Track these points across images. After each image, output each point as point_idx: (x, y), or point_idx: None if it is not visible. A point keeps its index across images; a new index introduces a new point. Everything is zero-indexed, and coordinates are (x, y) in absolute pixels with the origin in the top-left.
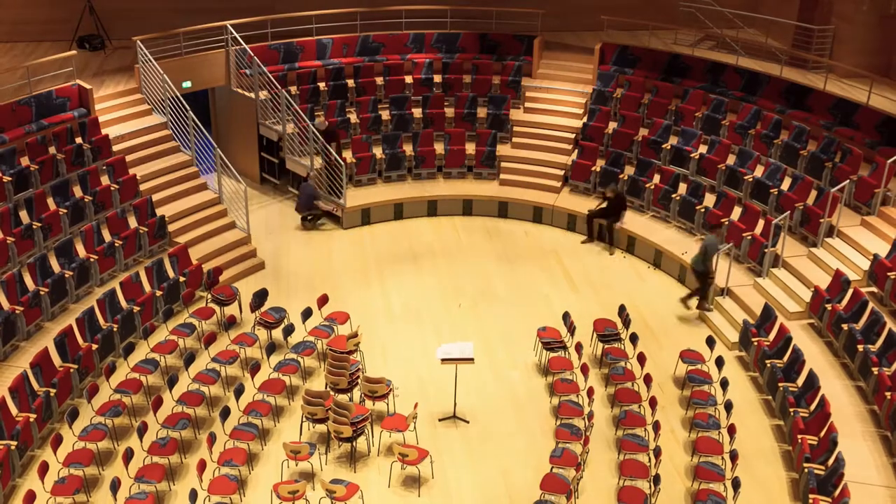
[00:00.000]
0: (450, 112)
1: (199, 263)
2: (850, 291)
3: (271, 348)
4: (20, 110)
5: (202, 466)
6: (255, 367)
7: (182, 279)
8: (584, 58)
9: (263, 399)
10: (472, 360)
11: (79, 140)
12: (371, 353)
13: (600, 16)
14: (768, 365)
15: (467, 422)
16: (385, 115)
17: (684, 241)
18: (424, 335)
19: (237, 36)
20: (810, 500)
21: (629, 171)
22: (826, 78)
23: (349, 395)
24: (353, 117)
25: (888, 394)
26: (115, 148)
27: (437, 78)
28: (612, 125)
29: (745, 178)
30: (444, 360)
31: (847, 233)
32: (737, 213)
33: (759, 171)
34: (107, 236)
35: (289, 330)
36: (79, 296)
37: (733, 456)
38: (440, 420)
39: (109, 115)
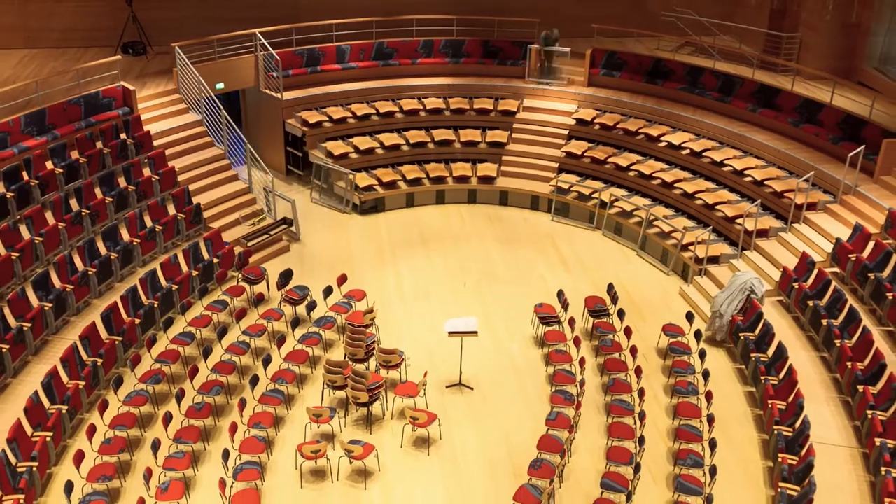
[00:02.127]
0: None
1: (231, 246)
2: (815, 272)
3: (296, 322)
4: (71, 109)
5: (234, 428)
6: (281, 340)
7: (216, 260)
8: (576, 62)
9: (289, 368)
10: (475, 333)
11: (123, 136)
12: (385, 327)
13: (591, 24)
14: (742, 337)
15: (471, 388)
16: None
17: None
18: (433, 311)
19: (265, 42)
20: (779, 459)
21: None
22: (793, 80)
23: (365, 364)
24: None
25: (849, 363)
26: (156, 143)
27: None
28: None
29: (723, 168)
30: (450, 333)
31: (812, 219)
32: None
33: (736, 163)
34: (148, 222)
35: (311, 306)
36: (123, 275)
37: (710, 419)
38: (447, 387)
39: (150, 113)
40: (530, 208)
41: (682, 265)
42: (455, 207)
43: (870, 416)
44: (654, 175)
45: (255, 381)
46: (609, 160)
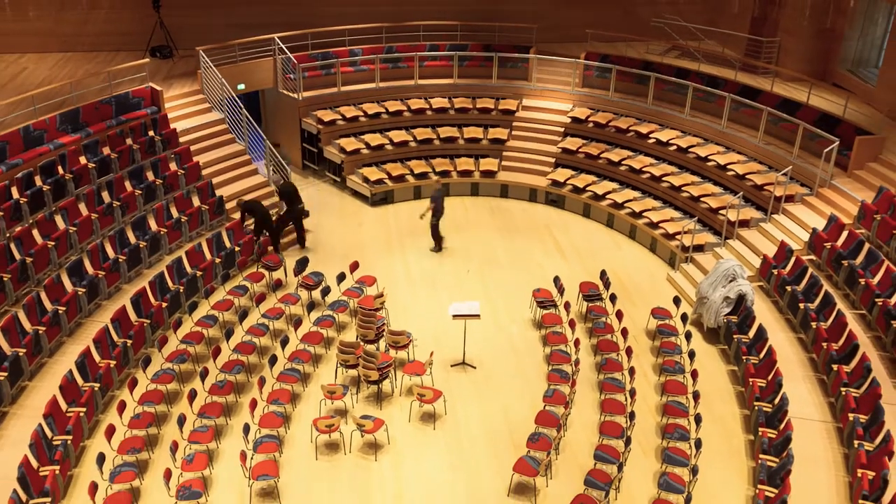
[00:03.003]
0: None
1: (251, 236)
2: (793, 259)
3: (311, 306)
4: (103, 108)
5: (254, 404)
6: (297, 322)
7: (237, 248)
8: (571, 64)
9: (305, 348)
10: (478, 316)
11: (151, 133)
12: (394, 310)
13: (585, 29)
14: (725, 320)
15: (474, 367)
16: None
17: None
18: (438, 295)
19: (283, 46)
20: (760, 433)
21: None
22: (773, 81)
23: (376, 345)
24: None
25: (824, 344)
26: (182, 140)
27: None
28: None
29: (708, 163)
30: (455, 316)
31: (790, 210)
32: (700, 191)
33: (719, 158)
34: (174, 213)
35: (326, 291)
36: (151, 262)
37: (696, 396)
38: (452, 366)
39: (177, 112)
40: (528, 200)
41: (670, 253)
42: (459, 199)
43: (843, 393)
44: (643, 169)
45: (273, 360)
46: (602, 156)
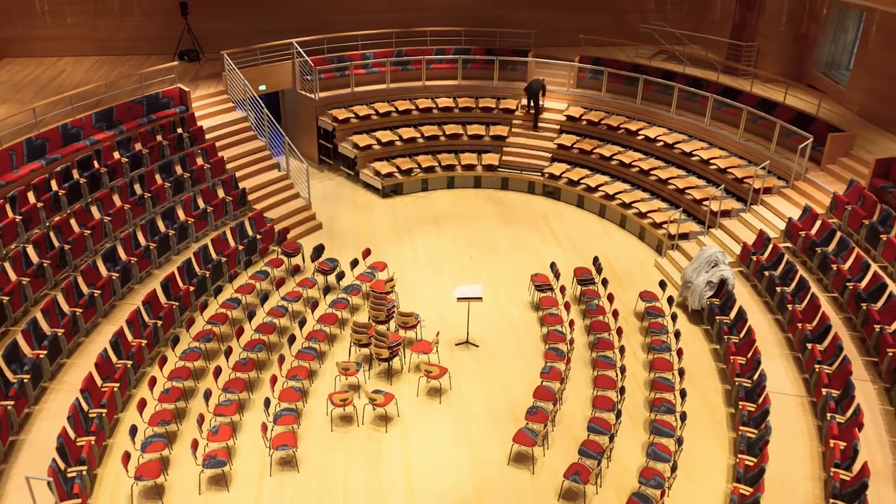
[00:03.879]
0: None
1: (271, 225)
2: (771, 246)
3: (327, 290)
4: (135, 107)
5: (274, 380)
6: (314, 304)
7: (258, 237)
8: (567, 66)
9: (321, 328)
10: (480, 298)
11: (179, 130)
12: (403, 293)
13: (579, 35)
14: (708, 303)
15: (477, 346)
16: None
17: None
18: (444, 280)
19: (301, 50)
20: (740, 406)
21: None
22: (752, 82)
23: (386, 325)
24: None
25: (799, 324)
26: (208, 136)
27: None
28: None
29: (692, 158)
30: (459, 299)
31: (768, 201)
32: (685, 184)
33: (703, 153)
34: (201, 204)
35: (340, 276)
36: (179, 249)
37: (681, 372)
38: (456, 345)
39: (203, 111)
40: (527, 192)
41: (657, 240)
42: (463, 192)
43: (817, 370)
44: (633, 164)
45: (292, 339)
46: (594, 151)
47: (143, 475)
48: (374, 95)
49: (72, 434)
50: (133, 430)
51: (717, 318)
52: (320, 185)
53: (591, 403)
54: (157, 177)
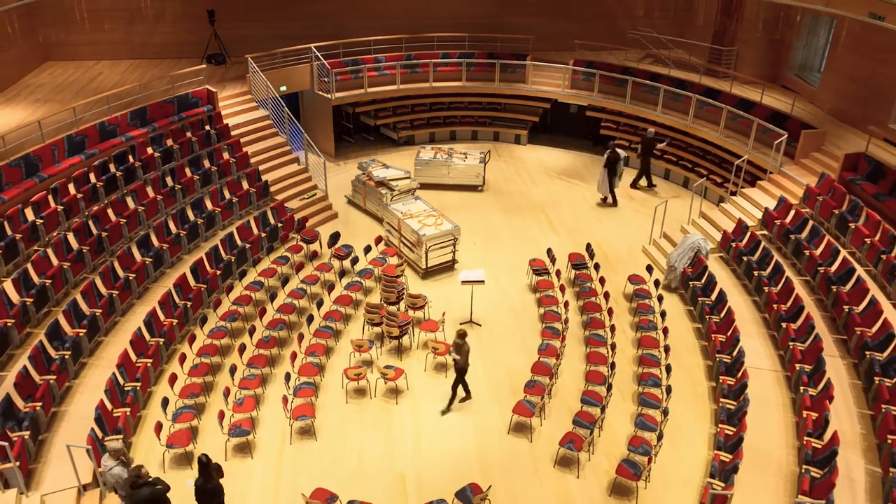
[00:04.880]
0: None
1: (291, 214)
2: (749, 234)
3: (342, 273)
4: (166, 106)
5: (293, 356)
6: (330, 287)
7: (280, 225)
8: (562, 69)
9: (337, 309)
10: (483, 282)
11: (207, 127)
12: (412, 276)
13: (573, 40)
14: (691, 285)
15: (480, 325)
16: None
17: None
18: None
19: (318, 54)
20: (720, 380)
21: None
22: (731, 84)
23: (397, 306)
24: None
25: (775, 305)
26: (233, 133)
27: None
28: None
29: None
30: (463, 282)
31: (746, 192)
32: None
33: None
34: (227, 195)
35: (354, 260)
36: (207, 236)
37: (666, 349)
38: (461, 324)
39: (229, 109)
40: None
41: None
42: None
43: (791, 347)
44: None
45: (310, 319)
46: None
47: (173, 443)
48: (386, 95)
49: (109, 405)
50: (165, 402)
51: (699, 299)
52: (336, 178)
53: (584, 377)
54: (187, 170)
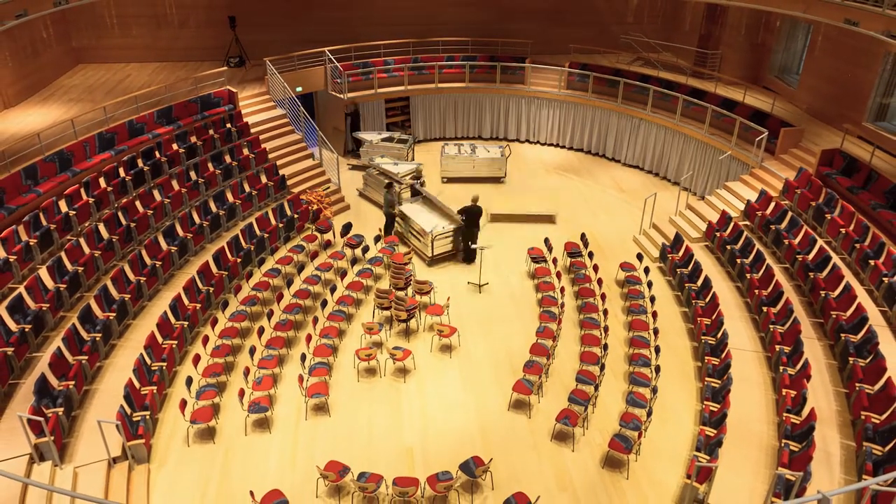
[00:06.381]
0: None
1: (306, 206)
2: (732, 224)
3: (354, 261)
4: (190, 106)
5: (308, 338)
6: (343, 274)
7: (296, 216)
8: (558, 71)
9: (349, 294)
10: (492, 246)
11: (228, 125)
12: (419, 264)
13: (569, 44)
14: (678, 272)
15: (486, 283)
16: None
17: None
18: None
19: (332, 57)
20: (706, 360)
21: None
22: (716, 85)
23: (405, 291)
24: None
25: (756, 291)
26: (253, 130)
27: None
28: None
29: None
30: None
31: (729, 185)
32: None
33: None
34: (246, 188)
35: (365, 249)
36: (228, 227)
37: (655, 332)
38: (468, 283)
39: (248, 109)
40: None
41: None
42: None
43: (772, 329)
44: None
45: (324, 303)
46: None
47: (197, 419)
48: (395, 96)
49: (136, 384)
50: (189, 381)
51: (686, 285)
52: (348, 172)
53: (579, 358)
54: (209, 165)
